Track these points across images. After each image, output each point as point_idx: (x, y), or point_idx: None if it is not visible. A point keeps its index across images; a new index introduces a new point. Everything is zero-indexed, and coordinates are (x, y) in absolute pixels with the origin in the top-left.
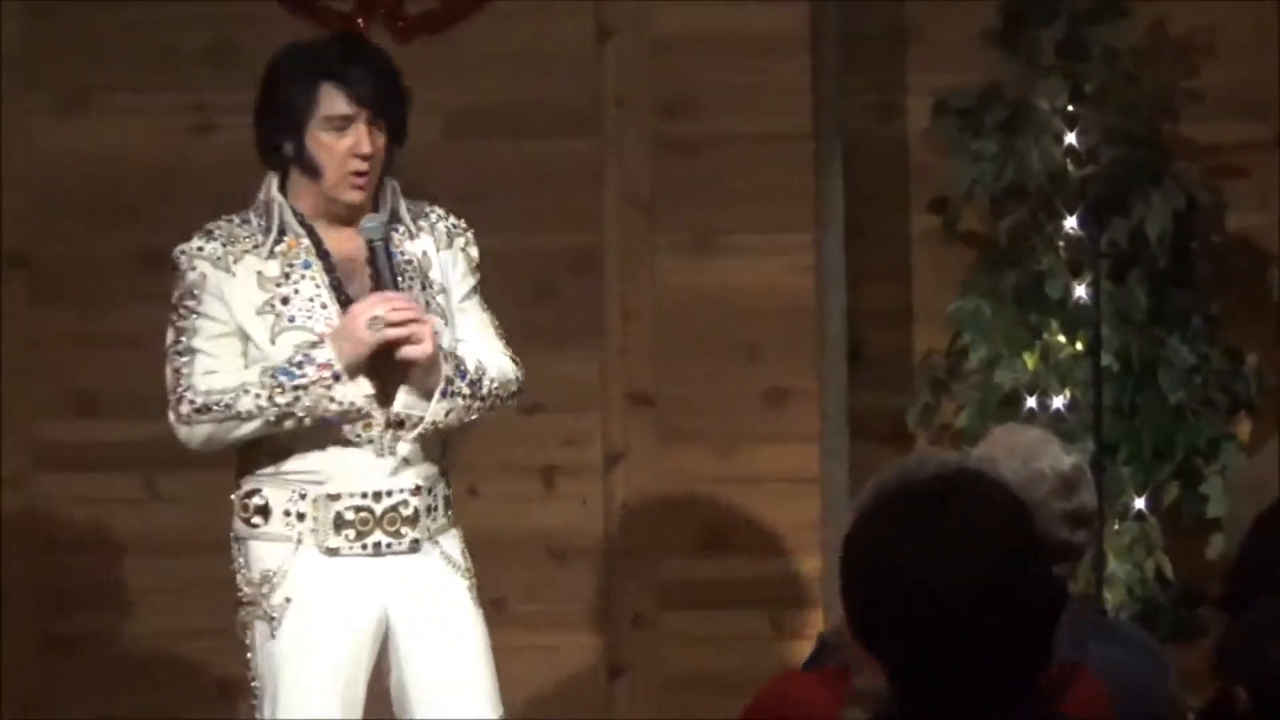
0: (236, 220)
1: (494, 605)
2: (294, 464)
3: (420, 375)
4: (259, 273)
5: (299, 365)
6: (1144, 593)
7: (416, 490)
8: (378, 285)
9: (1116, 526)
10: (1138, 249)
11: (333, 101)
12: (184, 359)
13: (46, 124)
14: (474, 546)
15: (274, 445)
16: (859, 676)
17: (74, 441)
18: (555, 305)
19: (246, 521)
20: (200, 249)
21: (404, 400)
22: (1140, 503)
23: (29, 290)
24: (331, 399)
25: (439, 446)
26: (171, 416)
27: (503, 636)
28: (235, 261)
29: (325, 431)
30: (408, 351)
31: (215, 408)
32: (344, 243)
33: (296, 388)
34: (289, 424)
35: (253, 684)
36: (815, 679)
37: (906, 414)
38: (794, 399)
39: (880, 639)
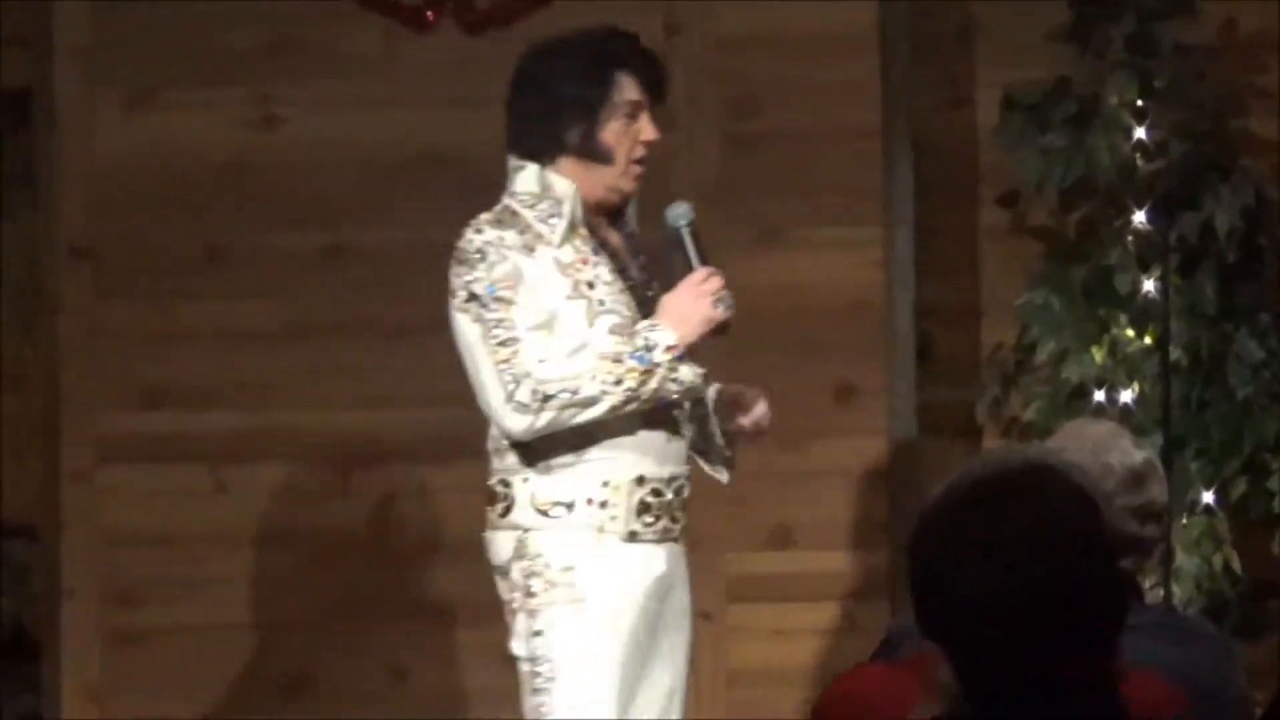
0: (508, 210)
1: None
2: (598, 451)
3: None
4: (556, 259)
5: (646, 349)
6: (1212, 587)
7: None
8: (688, 267)
9: (1184, 521)
10: (1206, 244)
11: (628, 89)
12: (510, 348)
13: (111, 118)
14: None
15: (576, 435)
16: (939, 670)
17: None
18: None
19: (544, 513)
20: (502, 238)
21: None
22: (1208, 497)
23: (93, 283)
24: (676, 380)
25: None
26: (506, 406)
27: None
28: (532, 252)
29: (634, 416)
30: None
31: (559, 394)
32: (608, 231)
33: (645, 371)
34: (631, 406)
35: (536, 673)
36: (883, 671)
37: (975, 409)
38: (862, 394)
39: (942, 637)
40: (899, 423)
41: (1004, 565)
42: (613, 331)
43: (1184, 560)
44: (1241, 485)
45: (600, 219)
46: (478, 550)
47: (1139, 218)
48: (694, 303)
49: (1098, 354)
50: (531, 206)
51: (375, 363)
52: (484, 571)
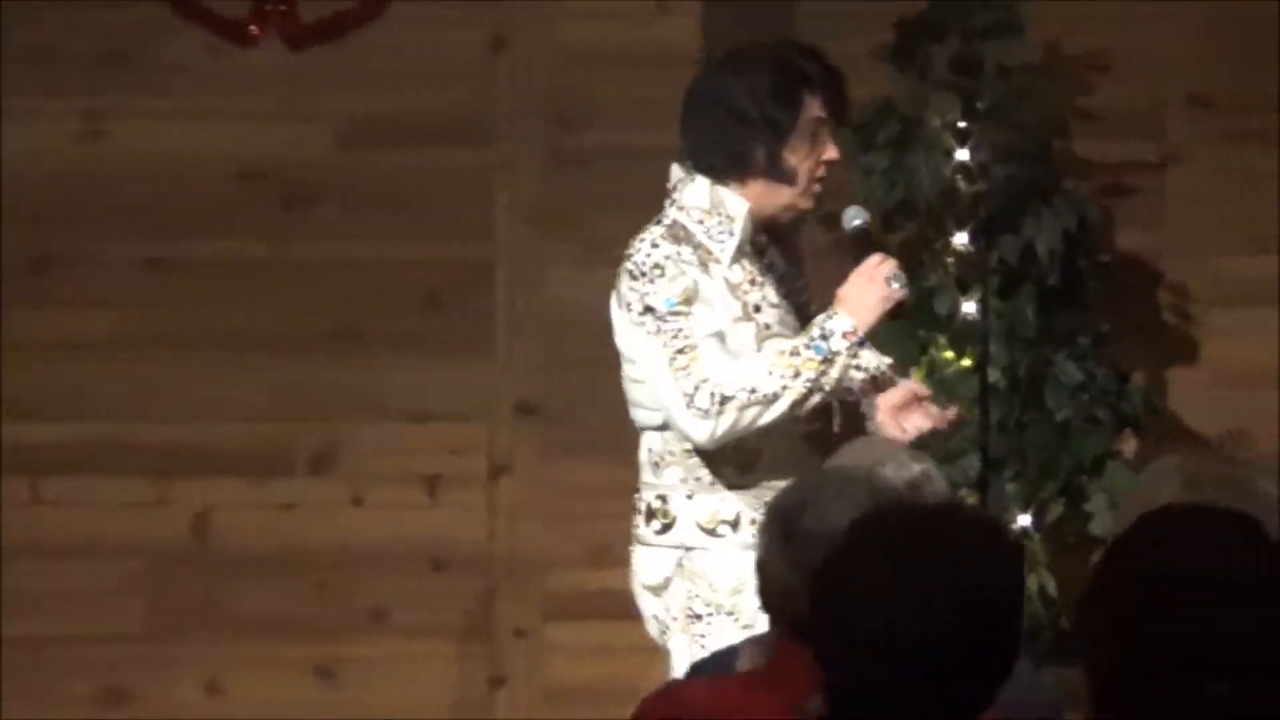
0: (679, 225)
1: (375, 614)
2: (764, 470)
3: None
4: (725, 279)
5: (823, 337)
6: (1027, 610)
7: None
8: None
9: None
10: (1027, 266)
11: (813, 107)
12: (687, 355)
13: None
14: (357, 556)
15: (742, 454)
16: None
17: None
18: (444, 315)
19: (709, 532)
20: (679, 253)
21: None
22: (1025, 519)
23: None
24: (857, 366)
25: None
26: (687, 413)
27: (384, 646)
28: (706, 268)
29: (797, 433)
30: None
31: (737, 394)
32: (774, 252)
33: (825, 360)
34: (815, 399)
35: None
36: (708, 685)
37: None
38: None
39: (837, 659)
40: None
41: (923, 601)
42: (813, 323)
43: None
44: (1059, 507)
45: (766, 238)
46: (296, 565)
47: (960, 239)
48: (868, 285)
49: (917, 375)
50: (700, 222)
51: (196, 375)
52: (300, 586)
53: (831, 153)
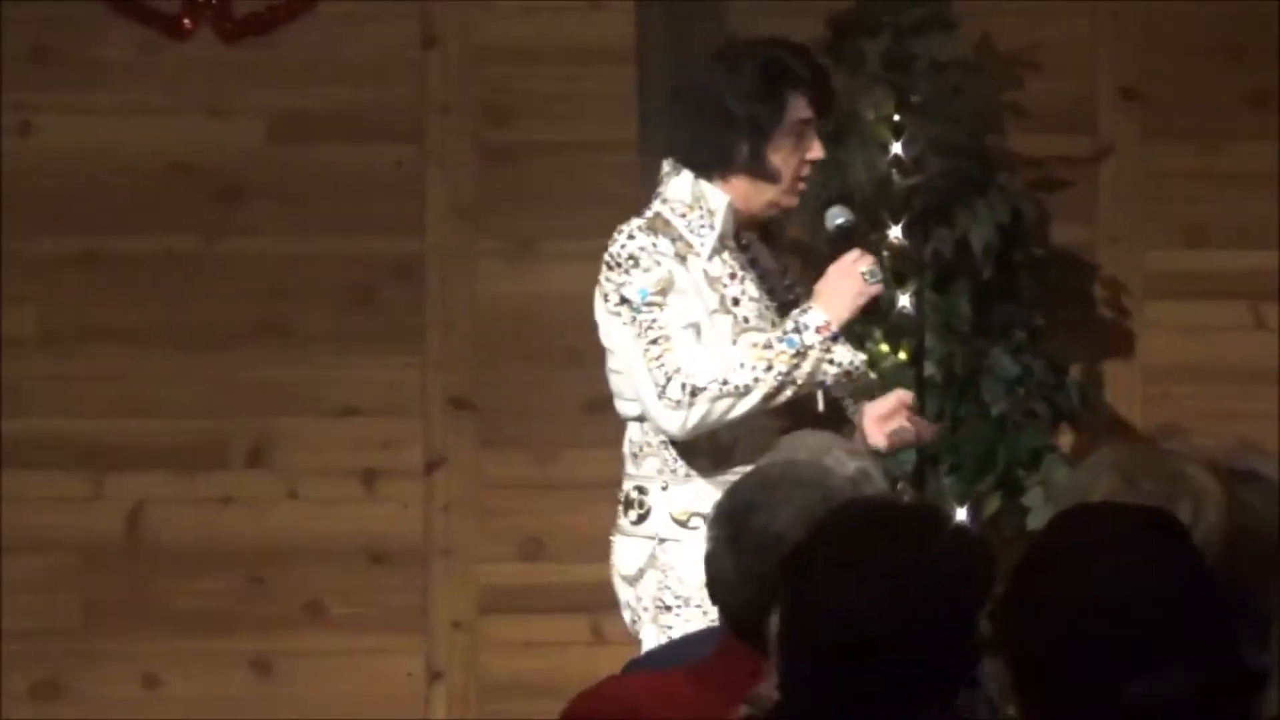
0: (660, 217)
1: (311, 608)
2: (740, 465)
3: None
4: (705, 272)
5: (795, 331)
6: None
7: None
8: None
9: None
10: (962, 260)
11: (800, 109)
12: (660, 346)
13: None
14: (293, 550)
15: (715, 445)
16: (760, 684)
17: None
18: (376, 310)
19: (681, 524)
20: (655, 245)
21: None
22: (961, 513)
23: None
24: (830, 360)
25: None
26: (659, 404)
27: (320, 640)
28: (683, 259)
29: (773, 427)
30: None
31: (709, 386)
32: (759, 247)
33: (797, 354)
34: (787, 392)
35: None
36: (640, 680)
37: None
38: (613, 407)
39: (793, 652)
40: None
41: (888, 598)
42: (789, 317)
43: None
44: (996, 501)
45: (752, 234)
46: (232, 559)
47: (894, 233)
48: (843, 280)
49: None
50: (683, 215)
51: (128, 369)
52: (235, 581)
53: (816, 152)
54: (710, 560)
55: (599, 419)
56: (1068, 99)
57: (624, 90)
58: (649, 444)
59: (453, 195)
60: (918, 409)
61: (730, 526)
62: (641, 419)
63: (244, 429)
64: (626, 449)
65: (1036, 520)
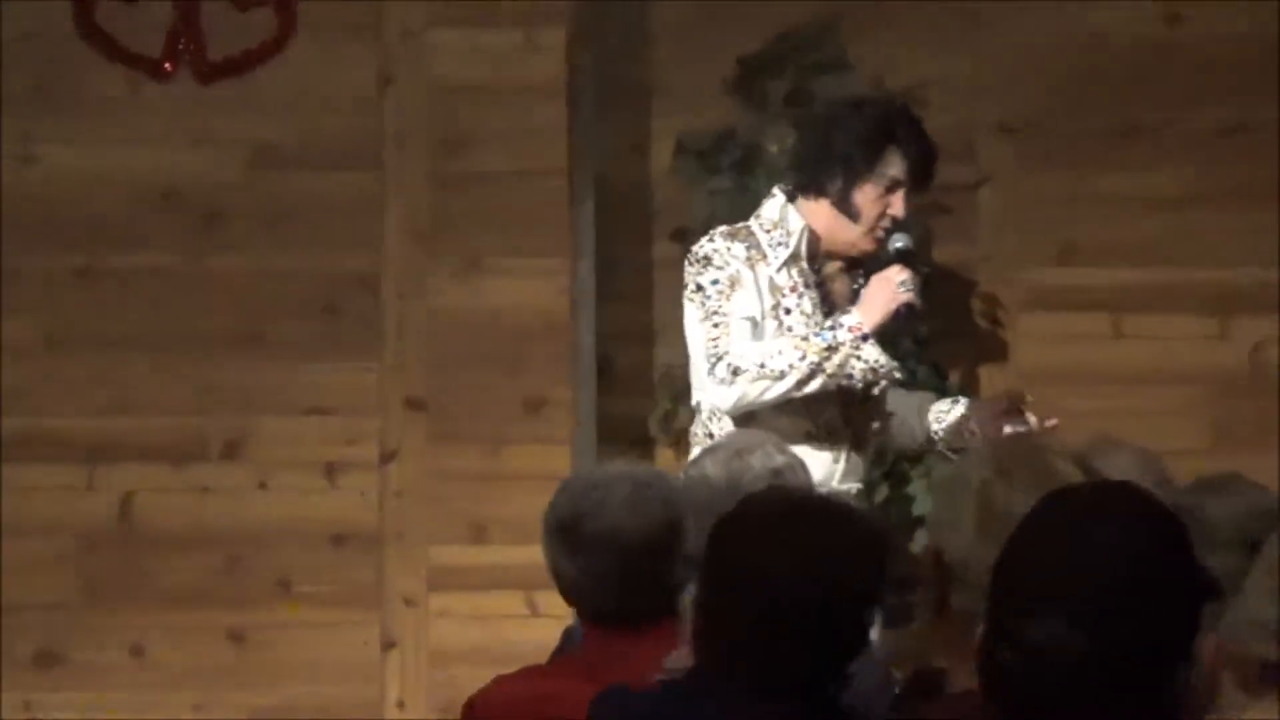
0: (744, 229)
1: (280, 585)
2: None
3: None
4: (770, 279)
5: (831, 329)
6: None
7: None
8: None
9: None
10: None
11: (894, 165)
12: (718, 330)
13: None
14: (264, 534)
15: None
16: (677, 652)
17: None
18: (338, 320)
19: None
20: (730, 248)
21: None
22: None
23: None
24: (859, 357)
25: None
26: (708, 380)
27: (287, 615)
28: (753, 265)
29: (796, 430)
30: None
31: (749, 368)
32: (839, 277)
33: (828, 347)
34: (817, 381)
35: None
36: (519, 677)
37: (648, 421)
38: (550, 406)
39: (712, 620)
40: (582, 432)
41: (806, 572)
42: (830, 318)
43: None
44: (884, 490)
45: (836, 265)
46: (210, 542)
47: None
48: (881, 291)
49: None
50: (767, 231)
51: (121, 373)
52: (213, 561)
53: (897, 209)
54: (556, 571)
55: (537, 417)
56: (951, 132)
57: (557, 124)
58: (695, 434)
59: (407, 218)
60: (1028, 406)
61: (564, 539)
62: (699, 410)
63: (221, 426)
64: (691, 438)
65: (920, 508)
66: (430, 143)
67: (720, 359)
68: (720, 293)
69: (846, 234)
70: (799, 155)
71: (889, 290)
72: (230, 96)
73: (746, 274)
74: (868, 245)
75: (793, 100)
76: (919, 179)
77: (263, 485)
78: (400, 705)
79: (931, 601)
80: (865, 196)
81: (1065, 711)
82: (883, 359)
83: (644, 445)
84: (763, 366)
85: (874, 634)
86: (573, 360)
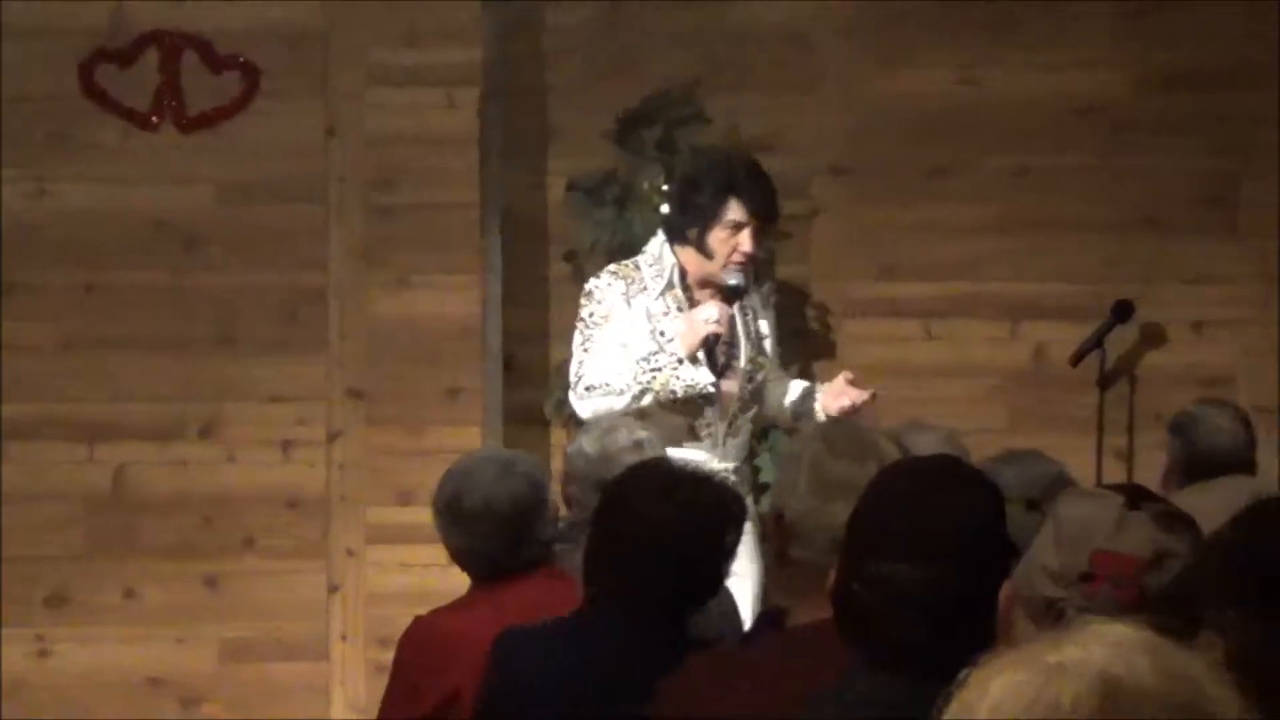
0: (631, 265)
1: (246, 541)
2: (659, 442)
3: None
4: (647, 307)
5: (656, 354)
6: None
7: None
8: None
9: None
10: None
11: (736, 211)
12: (586, 354)
13: None
14: (232, 501)
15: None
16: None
17: None
18: (294, 325)
19: None
20: (610, 285)
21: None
22: None
23: None
24: (678, 378)
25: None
26: (572, 395)
27: (252, 564)
28: (632, 299)
29: (683, 425)
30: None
31: (600, 386)
32: (703, 298)
33: (654, 369)
34: (648, 397)
35: None
36: (430, 615)
37: (544, 406)
38: (465, 394)
39: (607, 562)
40: (491, 415)
41: (687, 519)
42: (659, 344)
43: None
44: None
45: (706, 292)
46: (189, 506)
47: None
48: (692, 328)
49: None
50: (651, 265)
51: (118, 368)
52: (192, 521)
53: (745, 246)
54: (447, 543)
55: (453, 404)
56: (791, 172)
57: (470, 166)
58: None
59: (348, 242)
60: (857, 384)
61: (449, 515)
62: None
63: (198, 411)
64: None
65: (766, 476)
66: (367, 182)
67: (580, 379)
68: (595, 324)
69: (707, 269)
70: (669, 204)
71: (697, 326)
72: (205, 144)
73: (620, 308)
74: (731, 278)
75: (663, 147)
76: (763, 218)
77: (231, 459)
78: (343, 638)
79: (773, 552)
80: (716, 239)
81: (900, 631)
82: (697, 377)
83: (540, 426)
84: (608, 385)
85: (731, 580)
86: (483, 357)
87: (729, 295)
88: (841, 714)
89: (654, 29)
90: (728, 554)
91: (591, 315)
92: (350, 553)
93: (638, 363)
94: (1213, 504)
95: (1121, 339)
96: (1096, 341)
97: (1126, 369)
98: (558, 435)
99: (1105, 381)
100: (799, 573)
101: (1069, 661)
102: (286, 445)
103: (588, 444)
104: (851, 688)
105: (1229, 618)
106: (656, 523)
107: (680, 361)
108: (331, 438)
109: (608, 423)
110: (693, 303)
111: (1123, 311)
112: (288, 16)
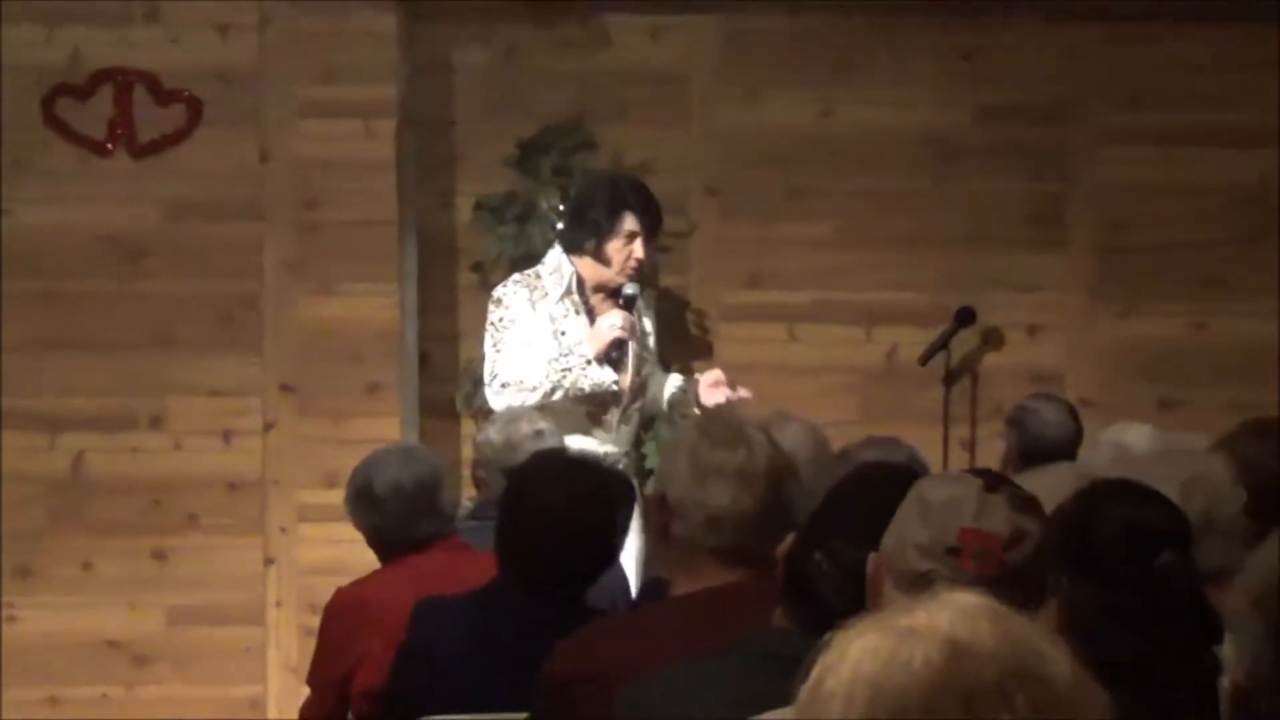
0: (532, 274)
1: (191, 520)
2: (561, 432)
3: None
4: (549, 311)
5: (566, 355)
6: None
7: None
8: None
9: None
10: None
11: (629, 222)
12: (498, 354)
13: None
14: (179, 483)
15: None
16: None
17: None
18: (232, 328)
19: None
20: (516, 293)
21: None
22: None
23: None
24: (586, 377)
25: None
26: (488, 390)
27: (196, 540)
28: (535, 304)
29: (578, 413)
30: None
31: (514, 383)
32: (600, 304)
33: (564, 370)
34: (559, 393)
35: None
36: (362, 580)
37: (455, 400)
38: (384, 389)
39: (515, 539)
40: (408, 408)
41: (584, 500)
42: (570, 347)
43: None
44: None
45: (600, 296)
46: (140, 488)
47: None
48: (598, 332)
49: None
50: (551, 273)
51: (75, 366)
52: (143, 502)
53: (639, 254)
54: (362, 528)
55: (374, 398)
56: (670, 193)
57: (388, 187)
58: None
59: (280, 255)
60: (730, 383)
61: (362, 502)
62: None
63: (148, 405)
64: None
65: (651, 462)
66: (297, 201)
67: (495, 376)
68: (504, 327)
69: (604, 275)
70: (565, 219)
71: (603, 331)
72: (153, 168)
73: (526, 312)
74: (621, 281)
75: (558, 172)
76: (650, 229)
77: (178, 447)
78: (277, 605)
79: (656, 530)
80: (613, 248)
81: (837, 598)
82: (603, 376)
83: (452, 418)
84: (521, 382)
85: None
86: (400, 356)
87: (626, 302)
88: (747, 656)
89: (547, 69)
90: (619, 531)
91: (501, 319)
92: (283, 530)
93: (550, 363)
94: (1044, 487)
95: (964, 341)
96: (942, 343)
97: (969, 367)
98: (467, 426)
99: (950, 379)
100: (679, 548)
101: (920, 626)
102: (227, 434)
103: (494, 433)
104: (759, 638)
105: (1061, 583)
106: (555, 504)
107: (589, 362)
108: (266, 428)
109: (511, 414)
110: (589, 306)
111: (965, 316)
112: (226, 56)
